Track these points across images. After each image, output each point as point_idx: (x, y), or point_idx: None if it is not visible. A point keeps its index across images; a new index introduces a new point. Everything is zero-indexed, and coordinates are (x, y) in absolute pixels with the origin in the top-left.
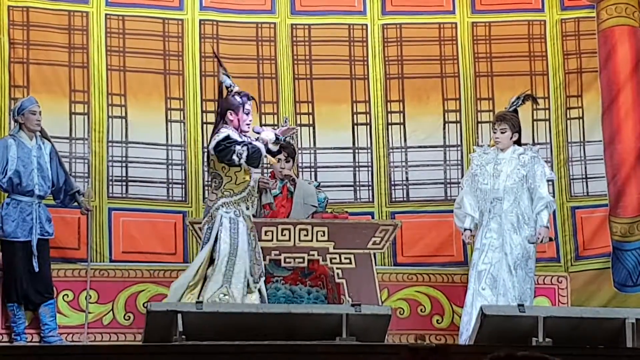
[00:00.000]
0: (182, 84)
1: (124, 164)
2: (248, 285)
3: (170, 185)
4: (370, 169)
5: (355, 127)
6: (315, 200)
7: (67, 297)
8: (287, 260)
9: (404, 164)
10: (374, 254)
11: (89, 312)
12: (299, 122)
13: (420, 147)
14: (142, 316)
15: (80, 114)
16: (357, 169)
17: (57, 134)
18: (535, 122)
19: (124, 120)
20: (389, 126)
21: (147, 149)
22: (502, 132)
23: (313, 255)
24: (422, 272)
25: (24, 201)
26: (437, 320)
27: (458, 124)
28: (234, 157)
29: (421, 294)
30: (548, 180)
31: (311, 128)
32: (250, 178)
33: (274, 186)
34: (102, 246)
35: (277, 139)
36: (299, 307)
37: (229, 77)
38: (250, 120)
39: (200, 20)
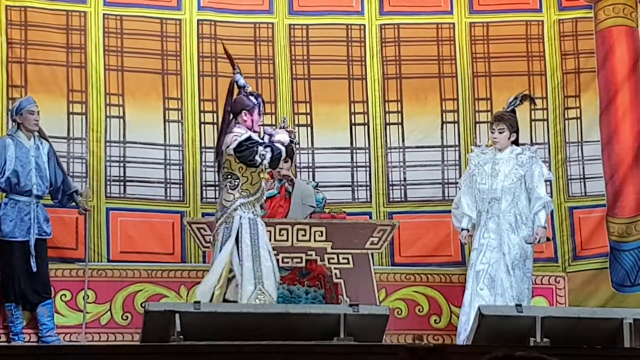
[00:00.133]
0: (180, 84)
1: (121, 164)
2: None
3: (168, 185)
4: (368, 169)
5: (353, 127)
6: (313, 200)
7: (65, 297)
8: (285, 260)
9: (401, 164)
10: (372, 254)
11: (87, 312)
12: (297, 122)
13: (418, 147)
14: (139, 316)
15: (78, 113)
16: (354, 169)
17: (55, 134)
18: (533, 122)
19: (121, 120)
20: (387, 126)
21: (144, 148)
22: (500, 132)
23: (311, 255)
24: (419, 272)
25: (22, 201)
26: (435, 321)
27: (456, 124)
28: (257, 157)
29: (419, 294)
30: (546, 181)
31: (309, 128)
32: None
33: (272, 186)
34: (100, 246)
35: (291, 141)
36: (296, 307)
37: (242, 77)
38: (261, 122)
39: (198, 20)
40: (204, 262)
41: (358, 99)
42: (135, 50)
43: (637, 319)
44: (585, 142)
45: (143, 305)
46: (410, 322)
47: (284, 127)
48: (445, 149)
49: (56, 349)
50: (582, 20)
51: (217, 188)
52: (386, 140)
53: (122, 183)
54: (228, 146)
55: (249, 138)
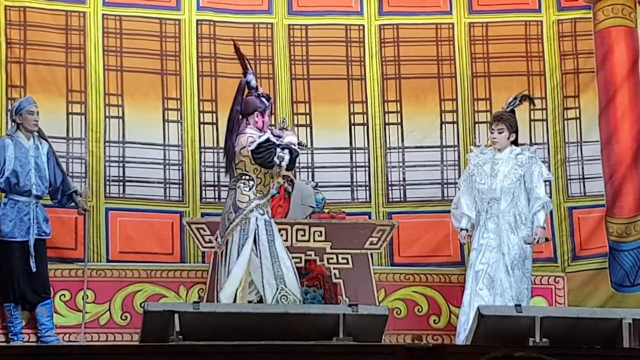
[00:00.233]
0: (179, 84)
1: (121, 164)
2: None
3: (168, 186)
4: (367, 169)
5: (353, 127)
6: (313, 201)
7: (64, 297)
8: None
9: (401, 164)
10: (371, 254)
11: (86, 312)
12: (296, 122)
13: (417, 147)
14: (139, 316)
15: (77, 114)
16: (354, 169)
17: (54, 134)
18: (532, 123)
19: (121, 120)
20: (386, 126)
21: (144, 149)
22: (499, 133)
23: (310, 255)
24: (419, 272)
25: (21, 201)
26: (434, 321)
27: (455, 125)
28: (275, 159)
29: (418, 294)
30: (545, 181)
31: (308, 128)
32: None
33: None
34: (99, 246)
35: (299, 143)
36: (296, 307)
37: (254, 78)
38: (270, 124)
39: (197, 21)
40: (203, 262)
41: (357, 99)
42: (135, 51)
43: (636, 319)
44: (585, 142)
45: (142, 305)
46: (410, 322)
47: (283, 128)
48: (444, 149)
49: (55, 349)
50: (581, 21)
51: (216, 188)
52: (385, 141)
53: (121, 183)
54: (243, 147)
55: (268, 140)
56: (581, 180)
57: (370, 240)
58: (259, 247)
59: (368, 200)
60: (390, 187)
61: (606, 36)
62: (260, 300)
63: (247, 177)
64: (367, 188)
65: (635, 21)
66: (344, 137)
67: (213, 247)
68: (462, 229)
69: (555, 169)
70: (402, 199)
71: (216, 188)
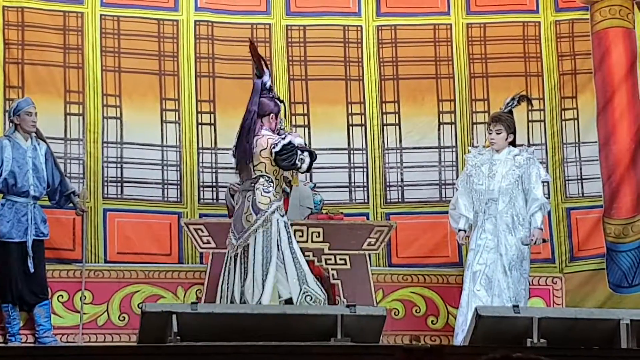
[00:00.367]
0: (177, 84)
1: (119, 165)
2: None
3: (166, 186)
4: (365, 170)
5: (351, 128)
6: (311, 202)
7: (62, 297)
8: None
9: (399, 165)
10: (369, 255)
11: (84, 313)
12: (294, 123)
13: (415, 148)
14: (136, 317)
15: (75, 114)
16: (352, 170)
17: (52, 135)
18: (530, 123)
19: (119, 121)
20: (384, 127)
21: (142, 149)
22: (497, 133)
23: (308, 256)
24: (417, 273)
25: (19, 202)
26: (432, 321)
27: (453, 125)
28: (297, 162)
29: (416, 295)
30: (543, 182)
31: (306, 129)
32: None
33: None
34: (97, 247)
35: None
36: (294, 307)
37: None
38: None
39: (195, 21)
40: (201, 263)
41: (355, 100)
42: (133, 51)
43: (634, 320)
44: (583, 143)
45: (140, 306)
46: (408, 323)
47: (280, 129)
48: (442, 150)
49: (53, 349)
50: (578, 22)
51: (214, 189)
52: (383, 141)
53: (119, 184)
54: (264, 148)
55: (290, 142)
56: (579, 181)
57: (368, 241)
58: (282, 249)
59: (366, 201)
60: (388, 188)
61: (604, 37)
62: (286, 303)
63: (267, 179)
64: (365, 189)
65: (632, 22)
66: (341, 138)
67: (211, 248)
68: (459, 230)
69: (553, 169)
70: (400, 200)
71: (214, 189)
